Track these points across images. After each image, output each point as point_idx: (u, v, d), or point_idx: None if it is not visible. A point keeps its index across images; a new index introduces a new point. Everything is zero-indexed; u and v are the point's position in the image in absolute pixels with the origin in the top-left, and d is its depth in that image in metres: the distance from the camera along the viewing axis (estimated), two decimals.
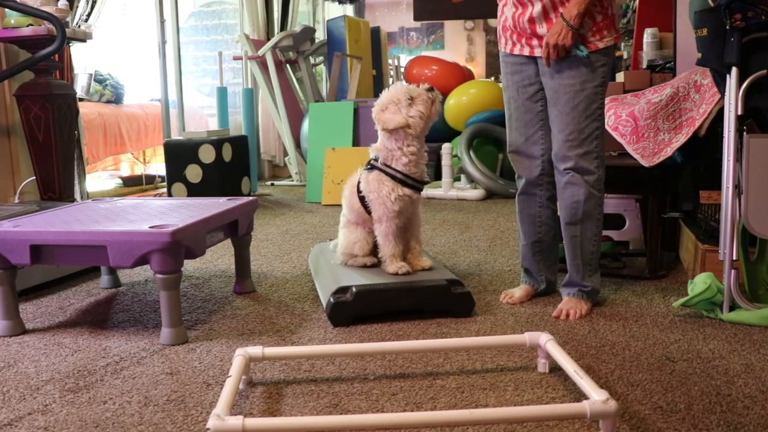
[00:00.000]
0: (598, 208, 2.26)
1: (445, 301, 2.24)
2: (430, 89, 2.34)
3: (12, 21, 3.39)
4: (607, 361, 1.87)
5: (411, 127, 2.29)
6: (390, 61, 8.07)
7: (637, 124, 2.79)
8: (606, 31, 2.17)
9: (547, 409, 1.43)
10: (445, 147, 5.13)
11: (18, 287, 2.27)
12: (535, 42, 2.22)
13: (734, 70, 2.12)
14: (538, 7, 2.17)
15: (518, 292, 2.45)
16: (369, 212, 2.39)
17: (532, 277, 2.47)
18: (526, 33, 2.23)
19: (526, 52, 2.26)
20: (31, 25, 3.34)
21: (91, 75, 5.77)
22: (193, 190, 4.53)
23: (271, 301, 2.54)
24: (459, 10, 8.62)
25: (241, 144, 4.88)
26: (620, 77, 3.69)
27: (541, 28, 2.18)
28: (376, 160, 2.39)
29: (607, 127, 2.91)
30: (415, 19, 8.84)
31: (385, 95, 2.35)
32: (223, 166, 4.58)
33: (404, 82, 2.37)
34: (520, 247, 2.50)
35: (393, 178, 2.32)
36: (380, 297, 2.22)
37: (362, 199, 2.40)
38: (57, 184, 3.54)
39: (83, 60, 5.68)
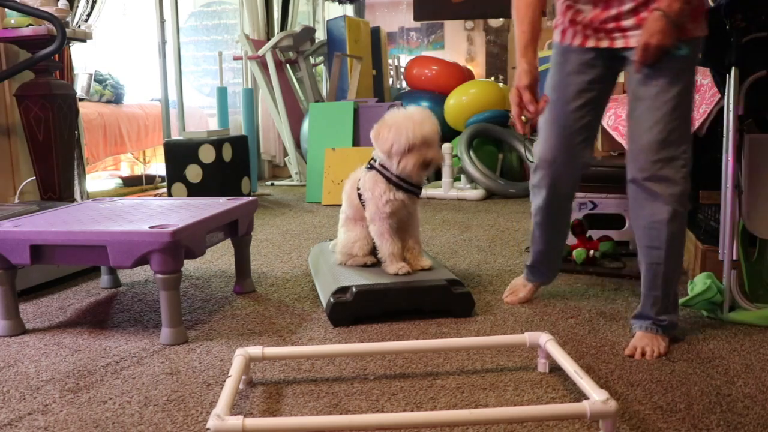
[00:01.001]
0: (683, 229, 1.91)
1: (445, 301, 2.24)
2: (426, 165, 2.25)
3: (12, 21, 3.39)
4: (607, 361, 1.87)
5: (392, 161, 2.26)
6: (390, 61, 8.08)
7: None
8: (700, 17, 1.88)
9: (547, 409, 1.44)
10: (445, 147, 5.13)
11: (18, 287, 2.27)
12: (617, 34, 1.92)
13: (734, 70, 2.12)
14: (629, 5, 1.87)
15: (523, 290, 2.39)
16: None
17: (538, 274, 2.39)
18: (606, 29, 1.93)
19: (605, 44, 1.94)
20: (31, 25, 3.34)
21: (91, 75, 5.78)
22: (193, 190, 4.53)
23: (271, 301, 2.54)
24: (459, 10, 8.61)
25: (241, 144, 4.88)
26: (620, 77, 3.68)
27: (627, 21, 1.89)
28: (375, 160, 2.39)
29: (606, 127, 2.91)
30: (415, 19, 8.83)
31: (400, 118, 2.24)
32: (223, 166, 4.58)
33: (431, 120, 2.28)
34: (533, 251, 2.34)
35: (388, 180, 2.30)
36: (380, 297, 2.21)
37: (360, 196, 2.41)
38: (57, 184, 3.54)
39: (83, 60, 5.69)
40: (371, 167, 2.37)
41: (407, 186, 2.31)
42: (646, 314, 1.97)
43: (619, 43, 1.91)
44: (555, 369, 1.79)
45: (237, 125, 6.33)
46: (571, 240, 2.99)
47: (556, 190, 2.14)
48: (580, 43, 1.98)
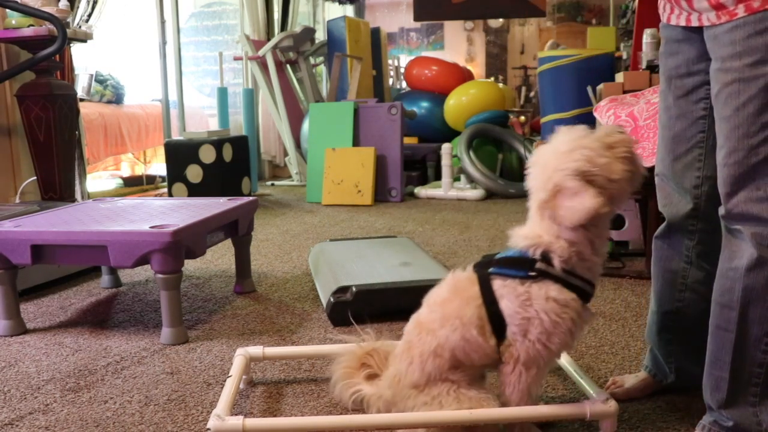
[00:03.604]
0: None
1: None
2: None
3: (13, 21, 3.39)
4: (607, 361, 1.88)
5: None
6: (390, 61, 8.08)
7: (637, 124, 2.80)
8: None
9: (547, 409, 1.44)
10: (445, 147, 5.14)
11: (19, 287, 2.28)
12: (684, 4, 1.37)
13: None
14: None
15: (632, 379, 1.66)
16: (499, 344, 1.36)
17: (657, 364, 1.65)
18: None
19: (682, 21, 1.40)
20: (32, 25, 3.35)
21: (91, 75, 5.78)
22: (194, 190, 4.54)
23: (272, 300, 2.54)
24: (459, 10, 8.63)
25: (241, 144, 4.89)
26: (619, 77, 3.69)
27: None
28: (535, 260, 1.33)
29: None
30: (415, 19, 8.85)
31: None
32: (223, 166, 4.59)
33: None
34: (648, 314, 1.67)
35: (573, 287, 1.33)
36: (380, 297, 2.22)
37: (499, 327, 1.35)
38: (58, 184, 3.54)
39: (84, 60, 5.69)
40: (536, 273, 1.32)
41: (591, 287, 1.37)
42: (707, 404, 1.39)
43: (694, 20, 1.37)
44: (555, 369, 1.80)
45: (237, 125, 6.34)
46: None
47: (668, 217, 1.58)
48: (666, 19, 1.50)
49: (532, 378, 1.36)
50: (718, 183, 1.31)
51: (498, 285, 1.35)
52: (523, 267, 1.33)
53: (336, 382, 1.54)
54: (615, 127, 1.33)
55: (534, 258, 1.32)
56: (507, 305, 1.33)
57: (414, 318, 1.45)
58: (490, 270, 1.36)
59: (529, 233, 1.34)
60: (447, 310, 1.37)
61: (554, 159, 1.29)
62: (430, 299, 1.44)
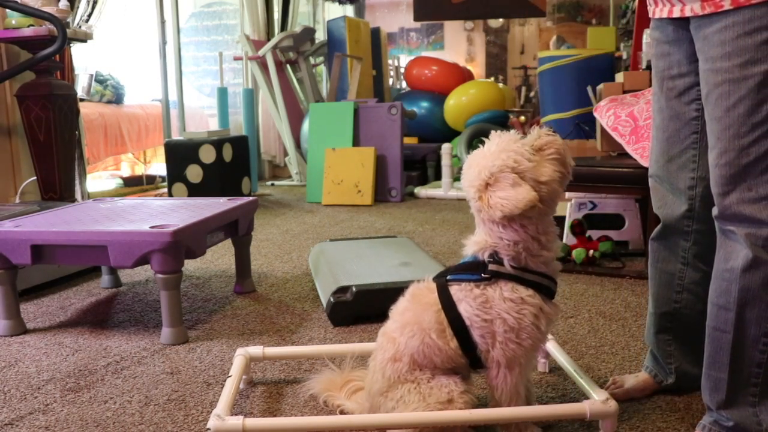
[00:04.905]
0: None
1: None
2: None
3: (13, 21, 3.39)
4: (607, 361, 1.88)
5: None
6: (390, 61, 8.08)
7: (637, 124, 2.80)
8: None
9: (547, 409, 1.44)
10: (445, 147, 5.13)
11: (19, 287, 2.28)
12: None
13: None
14: None
15: (632, 380, 1.66)
16: (471, 351, 1.39)
17: (657, 364, 1.66)
18: None
19: (665, 13, 1.41)
20: (32, 25, 3.35)
21: (92, 75, 5.78)
22: (194, 190, 4.54)
23: (272, 301, 2.54)
24: (459, 10, 8.62)
25: (241, 144, 4.89)
26: (619, 77, 3.69)
27: None
28: (492, 258, 1.37)
29: (606, 127, 2.92)
30: (415, 19, 8.85)
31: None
32: (223, 166, 4.59)
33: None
34: (647, 316, 1.69)
35: (532, 284, 1.36)
36: (380, 297, 2.21)
37: (460, 330, 1.38)
38: (58, 184, 3.54)
39: (84, 60, 5.69)
40: (489, 275, 1.36)
41: (552, 282, 1.40)
42: (706, 404, 1.40)
43: (676, 11, 1.38)
44: (555, 369, 1.80)
45: (237, 125, 6.34)
46: (571, 240, 3.00)
47: (663, 218, 1.59)
48: (652, 13, 1.50)
49: (517, 377, 1.39)
50: (711, 184, 1.32)
51: (455, 290, 1.39)
52: (476, 271, 1.37)
53: (318, 394, 1.62)
54: (545, 130, 1.36)
55: (484, 261, 1.36)
56: (466, 308, 1.37)
57: (381, 330, 1.48)
58: (447, 277, 1.42)
59: (477, 239, 1.39)
60: (406, 317, 1.43)
61: (483, 159, 1.32)
62: (394, 310, 1.48)
